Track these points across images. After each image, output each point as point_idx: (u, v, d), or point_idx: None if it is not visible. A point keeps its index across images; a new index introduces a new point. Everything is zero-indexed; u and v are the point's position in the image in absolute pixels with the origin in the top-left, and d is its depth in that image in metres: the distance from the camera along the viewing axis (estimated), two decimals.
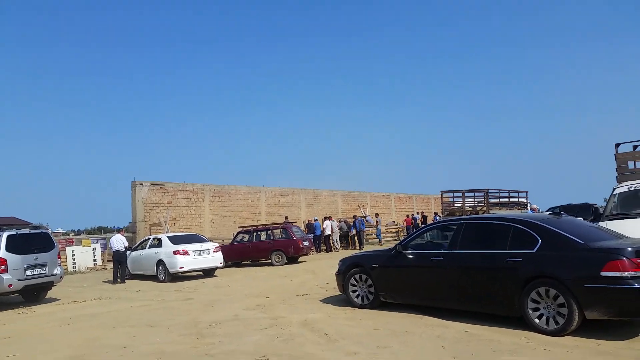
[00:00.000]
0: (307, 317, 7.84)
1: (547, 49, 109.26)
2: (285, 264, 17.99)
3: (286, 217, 26.17)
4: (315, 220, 23.21)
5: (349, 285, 8.46)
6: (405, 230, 33.08)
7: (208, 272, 15.95)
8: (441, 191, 20.94)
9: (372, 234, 29.55)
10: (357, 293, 8.38)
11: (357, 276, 8.36)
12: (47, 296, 12.28)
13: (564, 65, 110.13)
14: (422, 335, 6.29)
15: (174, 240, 15.57)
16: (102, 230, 65.63)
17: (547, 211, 24.23)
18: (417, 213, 37.37)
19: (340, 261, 9.02)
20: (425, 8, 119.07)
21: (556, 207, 28.06)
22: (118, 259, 15.40)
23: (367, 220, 31.01)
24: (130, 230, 22.97)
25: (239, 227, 20.93)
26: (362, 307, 8.23)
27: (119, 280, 15.24)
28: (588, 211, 28.25)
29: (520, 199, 22.23)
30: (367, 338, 6.29)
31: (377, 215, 31.32)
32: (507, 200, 21.56)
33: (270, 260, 18.31)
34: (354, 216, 25.98)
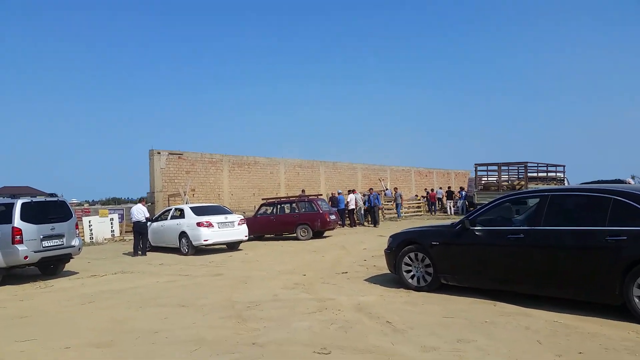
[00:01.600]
0: (359, 299, 6.95)
1: (594, 21, 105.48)
2: (311, 238, 17.17)
3: (302, 191, 25.19)
4: (339, 194, 22.24)
5: (402, 265, 7.54)
6: (427, 205, 32.12)
7: (232, 246, 15.16)
8: (475, 164, 19.89)
9: (392, 209, 28.58)
10: (411, 273, 7.46)
11: (412, 254, 7.43)
12: (64, 269, 11.54)
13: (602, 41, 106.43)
14: (507, 326, 5.35)
15: (197, 211, 14.73)
16: (116, 201, 65.57)
17: None
18: (440, 187, 36.33)
19: (390, 237, 8.07)
20: None
21: (587, 183, 26.93)
22: (139, 230, 14.60)
23: (385, 195, 30.03)
24: (148, 201, 22.19)
25: (263, 199, 20.06)
26: (417, 289, 7.32)
27: (139, 252, 14.49)
28: None
29: (558, 173, 21.07)
30: (441, 329, 5.37)
31: (395, 189, 30.10)
32: (544, 174, 20.43)
33: (295, 234, 17.47)
34: (370, 189, 24.48)
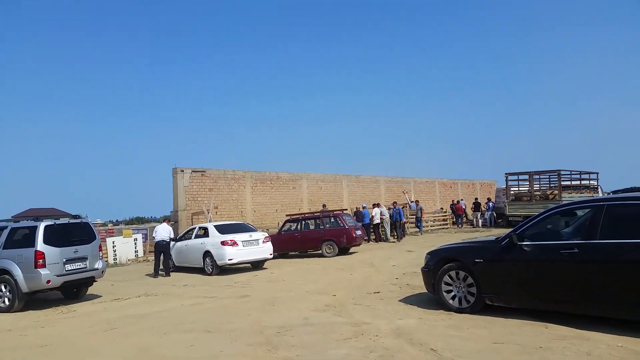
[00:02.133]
0: (397, 323, 6.46)
1: (618, 24, 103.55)
2: (337, 255, 16.69)
3: (324, 205, 24.72)
4: (364, 208, 21.74)
5: (442, 284, 7.03)
6: (454, 218, 31.30)
7: (257, 265, 14.77)
8: (506, 173, 19.26)
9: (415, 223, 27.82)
10: (452, 294, 6.95)
11: (452, 273, 6.93)
12: (87, 292, 11.28)
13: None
14: (565, 352, 4.83)
15: (222, 229, 14.42)
16: (140, 220, 65.93)
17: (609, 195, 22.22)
18: (461, 199, 35.50)
19: (428, 254, 7.58)
20: None
21: (618, 191, 25.91)
22: (161, 249, 14.36)
23: (410, 207, 29.27)
24: (172, 220, 22.05)
25: (287, 215, 19.68)
26: (459, 310, 6.81)
27: (162, 273, 14.22)
28: None
29: (591, 181, 20.25)
30: (492, 356, 4.87)
31: (417, 202, 28.66)
32: (578, 182, 19.66)
33: (320, 251, 17.02)
34: (393, 203, 23.84)
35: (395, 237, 22.03)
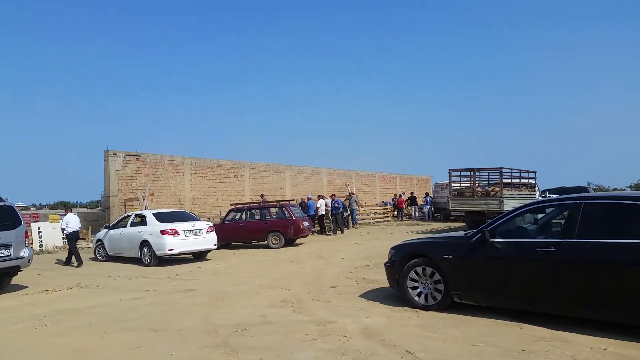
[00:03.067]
0: (364, 322, 6.08)
1: (544, 28, 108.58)
2: (283, 246, 16.21)
3: (262, 195, 23.96)
4: (309, 199, 21.35)
5: (408, 280, 6.74)
6: (397, 211, 31.67)
7: (199, 255, 14.01)
8: (449, 169, 19.39)
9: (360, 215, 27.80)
10: (418, 290, 6.67)
11: (419, 269, 6.64)
12: (11, 282, 10.13)
13: (563, 44, 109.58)
14: (549, 355, 4.61)
15: (161, 217, 13.51)
16: (65, 205, 61.97)
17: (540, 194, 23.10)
18: (402, 193, 36.00)
19: (392, 249, 7.26)
20: None
21: (545, 190, 27.09)
22: (76, 238, 13.87)
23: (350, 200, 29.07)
24: (103, 206, 20.70)
25: (231, 205, 18.93)
26: (425, 308, 6.53)
27: (73, 264, 13.41)
28: None
29: (530, 180, 20.95)
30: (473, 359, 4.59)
31: (350, 195, 27.54)
32: (518, 180, 20.24)
33: (265, 242, 16.45)
34: (332, 195, 23.09)
35: (331, 229, 21.54)
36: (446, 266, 6.32)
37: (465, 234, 6.50)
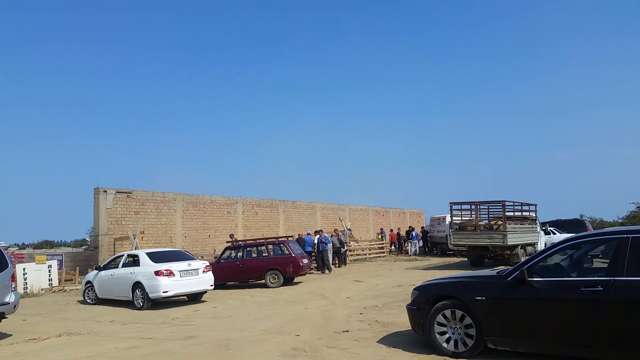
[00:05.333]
0: None
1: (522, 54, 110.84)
2: (281, 285, 15.50)
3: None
4: (309, 235, 20.71)
5: (435, 325, 6.17)
6: (392, 246, 31.07)
7: (195, 297, 13.27)
8: (450, 203, 18.97)
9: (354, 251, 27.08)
10: (447, 336, 6.10)
11: (447, 312, 6.08)
12: None
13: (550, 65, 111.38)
14: None
15: (155, 257, 12.81)
16: (49, 244, 60.44)
17: None
18: (399, 228, 35.50)
19: (416, 290, 6.71)
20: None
21: (545, 223, 26.79)
22: None
23: (344, 235, 28.39)
24: (92, 245, 19.87)
25: (227, 242, 18.24)
26: (455, 355, 5.95)
27: None
28: (580, 228, 27.13)
29: (530, 213, 20.60)
30: None
31: (335, 230, 25.64)
32: (520, 213, 19.87)
33: (263, 281, 15.74)
34: (319, 231, 21.63)
35: (337, 265, 20.92)
36: (478, 309, 5.78)
37: (498, 273, 5.99)
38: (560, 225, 28.45)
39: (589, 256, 5.78)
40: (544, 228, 23.96)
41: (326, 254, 19.75)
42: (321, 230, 21.95)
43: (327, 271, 19.52)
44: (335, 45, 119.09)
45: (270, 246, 16.31)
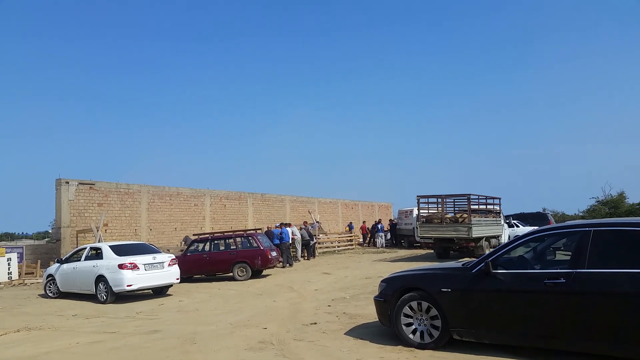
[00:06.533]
0: None
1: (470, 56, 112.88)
2: (249, 278, 15.40)
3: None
4: (277, 227, 20.59)
5: (401, 317, 6.22)
6: (369, 238, 31.34)
7: (160, 291, 13.03)
8: (417, 196, 19.18)
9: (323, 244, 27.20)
10: (413, 327, 6.16)
11: (414, 304, 6.14)
12: None
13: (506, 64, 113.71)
14: None
15: (118, 250, 12.51)
16: (10, 236, 58.43)
17: None
18: (366, 221, 35.77)
19: (383, 282, 6.74)
20: None
21: (508, 216, 27.44)
22: None
23: (313, 227, 28.46)
24: (53, 238, 19.30)
25: (194, 235, 17.99)
26: (421, 346, 6.02)
27: None
28: (543, 221, 27.89)
29: (495, 206, 21.04)
30: None
31: (305, 223, 25.26)
32: (484, 206, 20.27)
33: (231, 274, 15.60)
34: (281, 224, 21.41)
35: (305, 257, 20.95)
36: (444, 300, 5.85)
37: (463, 265, 6.08)
38: (524, 218, 29.17)
39: (552, 249, 5.91)
40: (507, 221, 24.51)
41: (284, 247, 19.52)
42: (286, 224, 21.75)
43: (287, 265, 19.32)
44: (310, 44, 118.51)
45: (238, 239, 16.17)
